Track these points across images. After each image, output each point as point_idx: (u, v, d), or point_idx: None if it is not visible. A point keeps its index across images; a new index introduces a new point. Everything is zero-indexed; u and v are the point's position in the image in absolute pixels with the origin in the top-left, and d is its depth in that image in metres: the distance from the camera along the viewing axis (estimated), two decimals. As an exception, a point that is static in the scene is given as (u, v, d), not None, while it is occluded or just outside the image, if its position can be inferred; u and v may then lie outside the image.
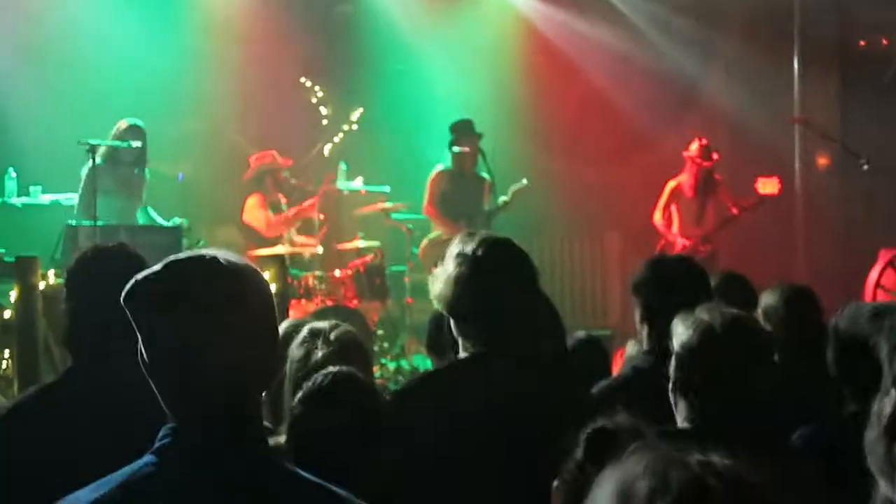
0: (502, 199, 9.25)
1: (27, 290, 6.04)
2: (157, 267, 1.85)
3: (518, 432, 2.69)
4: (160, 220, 8.18)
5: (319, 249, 9.32)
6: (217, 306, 1.81)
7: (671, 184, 9.68)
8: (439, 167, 9.43)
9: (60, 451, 2.64)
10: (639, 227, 10.36)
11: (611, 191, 11.12)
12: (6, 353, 6.69)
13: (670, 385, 2.76)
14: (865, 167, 9.63)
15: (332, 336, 3.21)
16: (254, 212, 9.04)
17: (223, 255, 1.86)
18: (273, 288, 8.03)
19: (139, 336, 1.83)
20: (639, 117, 10.98)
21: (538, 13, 11.55)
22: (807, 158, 11.59)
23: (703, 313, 2.76)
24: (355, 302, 8.90)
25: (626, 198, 10.91)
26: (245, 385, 1.87)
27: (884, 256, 9.24)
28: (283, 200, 9.24)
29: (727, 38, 11.43)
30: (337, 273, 9.01)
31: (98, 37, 9.57)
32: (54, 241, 7.09)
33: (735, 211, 9.60)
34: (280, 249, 8.75)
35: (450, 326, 2.98)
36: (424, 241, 9.40)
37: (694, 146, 9.61)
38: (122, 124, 7.93)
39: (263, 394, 2.00)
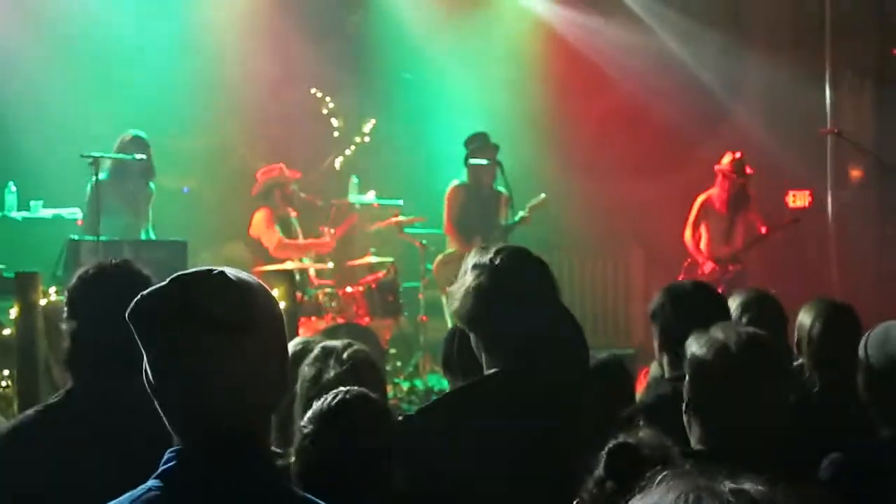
0: (520, 214, 9.24)
1: (27, 308, 6.07)
2: (163, 283, 1.86)
3: (543, 453, 2.68)
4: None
5: (330, 265, 9.33)
6: (226, 324, 1.81)
7: (701, 198, 9.61)
8: (455, 182, 9.42)
9: (60, 474, 2.65)
10: (663, 243, 10.34)
11: (634, 206, 11.10)
12: (6, 372, 6.71)
13: (684, 405, 2.76)
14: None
15: (344, 355, 3.22)
16: (261, 227, 9.04)
17: (231, 271, 1.87)
18: (282, 305, 8.04)
19: (144, 355, 1.84)
20: (664, 129, 10.97)
21: (560, 18, 11.53)
22: (839, 171, 11.55)
23: (717, 332, 2.76)
24: (367, 319, 8.91)
25: (650, 213, 10.89)
26: (254, 407, 1.87)
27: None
28: (293, 214, 9.25)
29: (756, 48, 11.41)
30: (349, 289, 9.02)
31: (101, 49, 9.63)
32: (55, 256, 7.12)
33: (764, 230, 9.54)
34: (289, 265, 8.76)
35: (466, 343, 2.97)
36: (439, 258, 9.40)
37: (726, 159, 9.53)
38: (126, 137, 7.97)
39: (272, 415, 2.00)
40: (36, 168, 8.90)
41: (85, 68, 9.59)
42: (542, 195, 9.37)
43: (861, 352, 3.09)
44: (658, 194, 10.69)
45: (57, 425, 2.75)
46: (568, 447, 2.54)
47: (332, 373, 3.15)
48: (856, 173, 11.75)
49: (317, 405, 2.69)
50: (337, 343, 3.30)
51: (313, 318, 8.75)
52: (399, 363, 9.31)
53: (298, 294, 8.66)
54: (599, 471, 2.13)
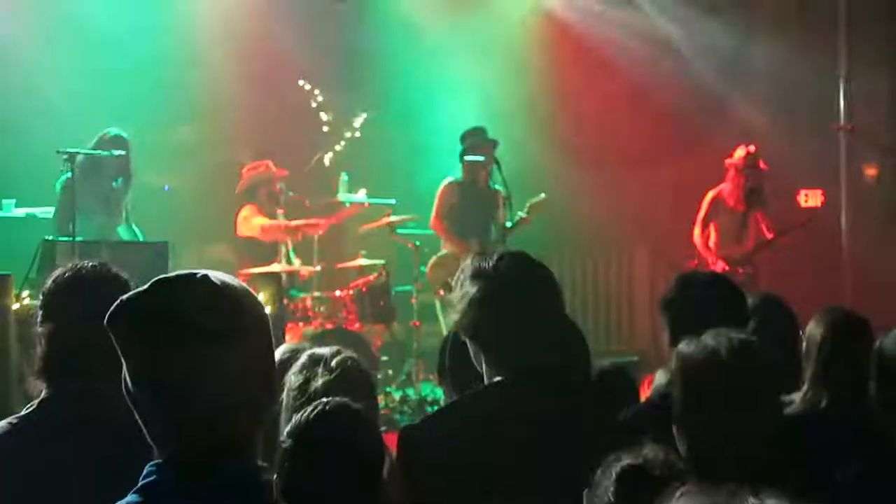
0: (519, 213, 9.23)
1: (-1, 312, 6.05)
2: (143, 288, 1.86)
3: (548, 466, 2.69)
4: (141, 238, 8.21)
5: (318, 268, 9.33)
6: (210, 332, 1.81)
7: (711, 194, 9.57)
8: (449, 179, 9.42)
9: (35, 489, 2.65)
10: (669, 242, 10.35)
11: (639, 203, 11.11)
12: (-24, 380, 6.69)
13: (672, 417, 2.76)
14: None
15: (332, 363, 3.22)
16: (247, 221, 9.04)
17: (215, 275, 1.88)
18: (268, 310, 8.04)
19: (123, 363, 1.84)
20: (670, 123, 10.97)
21: (560, 4, 11.53)
22: (853, 169, 11.56)
23: (709, 338, 2.76)
24: (358, 325, 8.91)
25: (655, 211, 10.91)
26: (239, 419, 1.87)
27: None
28: (280, 212, 9.24)
29: (765, 36, 11.40)
30: (338, 293, 9.02)
31: (77, 39, 9.61)
32: (29, 258, 7.10)
33: (770, 235, 9.50)
34: (276, 268, 8.76)
35: (462, 351, 2.98)
36: (433, 259, 9.39)
37: (739, 153, 9.48)
38: (105, 135, 7.97)
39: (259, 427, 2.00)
40: (8, 165, 8.89)
41: (60, 60, 9.57)
42: (542, 195, 9.36)
43: (875, 358, 3.10)
44: (663, 190, 10.71)
45: (31, 437, 2.74)
46: (572, 457, 2.55)
47: (319, 382, 3.15)
48: (870, 171, 11.75)
49: (296, 417, 2.68)
50: (325, 350, 3.30)
51: (301, 324, 8.76)
52: (391, 371, 9.31)
53: (285, 298, 8.68)
54: (609, 496, 2.14)
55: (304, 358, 3.26)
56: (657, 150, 11.07)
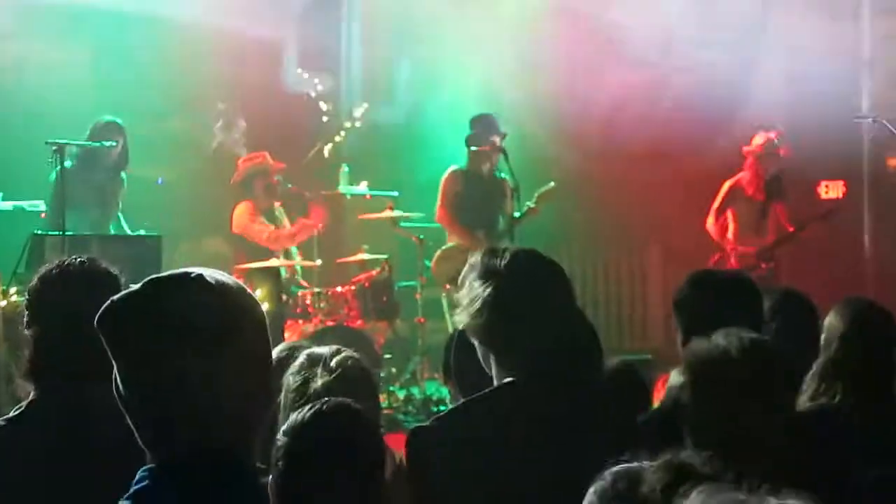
0: (527, 204, 9.21)
1: (-14, 310, 6.07)
2: (136, 287, 1.86)
3: (561, 467, 2.69)
4: (127, 230, 8.22)
5: (319, 262, 9.33)
6: (204, 332, 1.81)
7: (729, 182, 9.53)
8: (453, 168, 9.38)
9: (23, 495, 2.65)
10: (684, 237, 10.33)
11: (652, 196, 11.09)
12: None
13: (682, 415, 2.76)
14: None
15: (333, 362, 3.21)
16: (244, 222, 9.04)
17: (209, 273, 1.87)
18: (266, 307, 8.03)
19: (114, 365, 1.84)
20: (684, 112, 10.95)
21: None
22: (876, 159, 11.53)
23: (720, 337, 2.76)
24: (360, 322, 8.91)
25: (669, 204, 10.88)
26: (235, 421, 1.87)
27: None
28: (277, 204, 9.24)
29: (785, 18, 11.36)
30: (339, 289, 9.02)
31: (64, 25, 9.61)
32: (17, 253, 7.11)
33: (791, 228, 9.48)
34: (274, 262, 8.76)
35: (468, 349, 2.98)
36: (438, 253, 9.37)
37: (758, 139, 9.44)
38: (99, 122, 7.97)
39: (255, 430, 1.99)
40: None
41: (48, 46, 9.57)
42: (551, 184, 9.34)
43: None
44: (678, 183, 10.67)
45: (19, 441, 2.75)
46: (585, 458, 2.55)
47: (319, 382, 3.14)
48: (894, 161, 11.73)
49: (293, 417, 2.66)
50: (325, 349, 3.29)
51: (300, 321, 8.76)
52: (394, 370, 9.31)
53: (284, 295, 8.68)
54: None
55: (302, 357, 3.26)
56: (671, 140, 11.03)
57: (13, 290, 6.61)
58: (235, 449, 1.87)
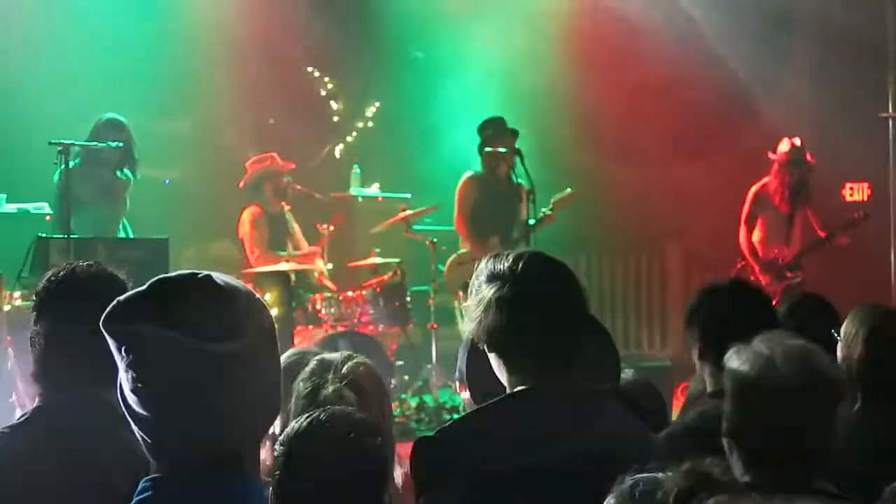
0: (543, 210, 9.21)
1: (-10, 314, 6.09)
2: (141, 288, 1.86)
3: (573, 478, 2.69)
4: (131, 234, 8.24)
5: (329, 266, 9.33)
6: (211, 336, 1.80)
7: (754, 188, 9.48)
8: (468, 173, 9.37)
9: (27, 499, 2.66)
10: (704, 239, 10.32)
11: (672, 198, 11.08)
12: (-35, 386, 6.73)
13: (723, 430, 2.75)
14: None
15: (344, 369, 3.22)
16: (246, 228, 9.04)
17: (217, 275, 1.87)
18: (275, 312, 8.06)
19: (119, 369, 1.84)
20: (705, 111, 10.92)
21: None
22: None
23: (761, 344, 2.74)
24: (371, 328, 8.92)
25: (689, 206, 10.87)
26: (241, 429, 1.87)
27: None
28: (286, 208, 9.24)
29: (807, 20, 11.34)
30: (350, 294, 9.02)
31: (69, 22, 9.63)
32: (21, 256, 7.13)
33: (823, 234, 9.38)
34: (283, 266, 8.76)
35: (484, 356, 2.98)
36: (452, 258, 9.36)
37: (784, 146, 9.40)
38: (100, 120, 7.99)
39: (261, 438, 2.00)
40: (-1, 158, 8.94)
41: (53, 44, 9.60)
42: (569, 189, 9.33)
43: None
44: (698, 184, 10.65)
45: (25, 447, 2.76)
46: (598, 469, 2.55)
47: (330, 389, 3.15)
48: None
49: (291, 425, 2.66)
50: (336, 355, 3.30)
51: (310, 327, 8.76)
52: (406, 376, 9.31)
53: (293, 300, 8.68)
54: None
55: (313, 363, 3.26)
56: (691, 142, 11.01)
57: (17, 294, 6.63)
58: (240, 457, 1.87)
